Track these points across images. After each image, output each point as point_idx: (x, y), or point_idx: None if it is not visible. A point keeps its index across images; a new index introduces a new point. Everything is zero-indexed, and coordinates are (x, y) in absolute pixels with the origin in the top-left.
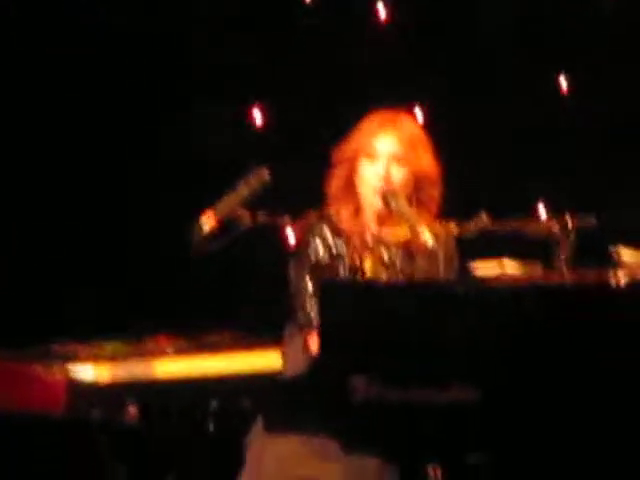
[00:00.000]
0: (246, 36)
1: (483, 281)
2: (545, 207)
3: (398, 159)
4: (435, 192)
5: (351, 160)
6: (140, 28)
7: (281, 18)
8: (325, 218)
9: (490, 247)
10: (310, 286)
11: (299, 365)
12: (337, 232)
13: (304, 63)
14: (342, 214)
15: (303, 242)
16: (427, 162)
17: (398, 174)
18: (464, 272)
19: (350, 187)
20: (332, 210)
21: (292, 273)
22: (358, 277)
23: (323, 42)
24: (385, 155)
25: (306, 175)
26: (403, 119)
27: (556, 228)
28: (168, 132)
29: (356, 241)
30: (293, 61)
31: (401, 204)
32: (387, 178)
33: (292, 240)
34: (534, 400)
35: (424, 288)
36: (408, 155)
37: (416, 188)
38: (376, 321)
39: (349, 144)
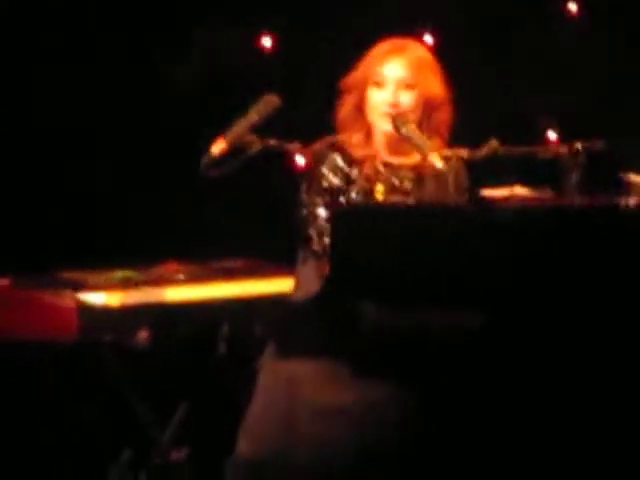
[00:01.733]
0: None
1: (493, 203)
2: (555, 133)
3: (406, 84)
4: (445, 116)
5: (359, 88)
6: None
7: None
8: (336, 145)
9: (501, 173)
10: (323, 212)
11: (311, 290)
12: (348, 159)
13: None
14: (352, 141)
15: (314, 169)
16: (436, 85)
17: (406, 99)
18: (474, 196)
19: (360, 115)
20: (343, 137)
21: (304, 200)
22: (368, 201)
23: None
24: (393, 81)
25: (317, 103)
26: (411, 44)
27: (565, 152)
28: (179, 54)
29: (367, 167)
30: None
31: (410, 129)
32: (395, 104)
33: (301, 165)
34: (541, 324)
35: (433, 210)
36: (416, 79)
37: (425, 112)
38: (386, 245)
39: (357, 72)
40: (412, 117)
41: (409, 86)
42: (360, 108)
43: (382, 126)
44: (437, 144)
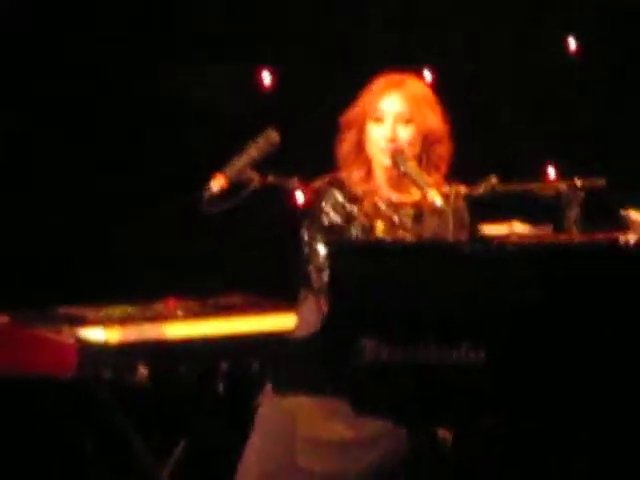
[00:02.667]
0: None
1: (492, 241)
2: (554, 169)
3: (404, 118)
4: (443, 150)
5: (359, 123)
6: None
7: None
8: (336, 182)
9: (500, 210)
10: (322, 249)
11: (312, 328)
12: (349, 196)
13: (315, 24)
14: (353, 178)
15: (315, 206)
16: (433, 120)
17: (404, 133)
18: (474, 233)
19: (360, 151)
20: (343, 174)
21: (305, 237)
22: (367, 238)
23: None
24: (390, 115)
25: (317, 138)
26: (408, 79)
27: (565, 189)
28: (175, 91)
29: (368, 204)
30: (303, 21)
31: (409, 165)
32: (394, 138)
33: (301, 202)
34: (542, 361)
35: (433, 248)
36: (413, 114)
37: (424, 147)
38: (385, 281)
39: (356, 108)
40: (411, 153)
41: (407, 121)
42: (360, 144)
43: (381, 161)
44: (436, 179)
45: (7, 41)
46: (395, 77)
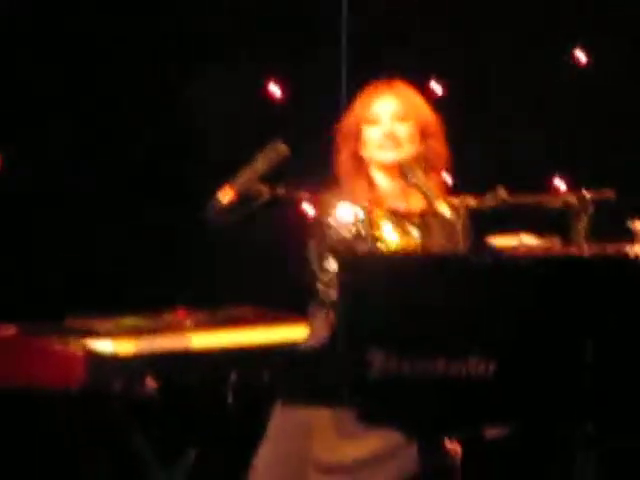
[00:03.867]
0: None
1: (501, 253)
2: (563, 181)
3: (399, 116)
4: (441, 146)
5: (354, 132)
6: None
7: None
8: (342, 194)
9: (508, 222)
10: (330, 263)
11: (321, 341)
12: (354, 208)
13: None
14: (356, 189)
15: (322, 220)
16: (429, 114)
17: (402, 129)
18: (482, 245)
19: (358, 162)
20: (346, 187)
21: (312, 252)
22: (376, 250)
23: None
24: (387, 115)
25: (322, 150)
26: (397, 81)
27: (574, 201)
28: (185, 102)
29: (373, 215)
30: (313, 31)
31: (418, 176)
32: (391, 133)
33: (310, 215)
34: (552, 373)
35: (443, 260)
36: (408, 110)
37: (422, 142)
38: (394, 293)
39: (349, 116)
40: (412, 151)
41: (403, 118)
42: (357, 155)
43: (380, 156)
44: (437, 182)
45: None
46: (383, 82)
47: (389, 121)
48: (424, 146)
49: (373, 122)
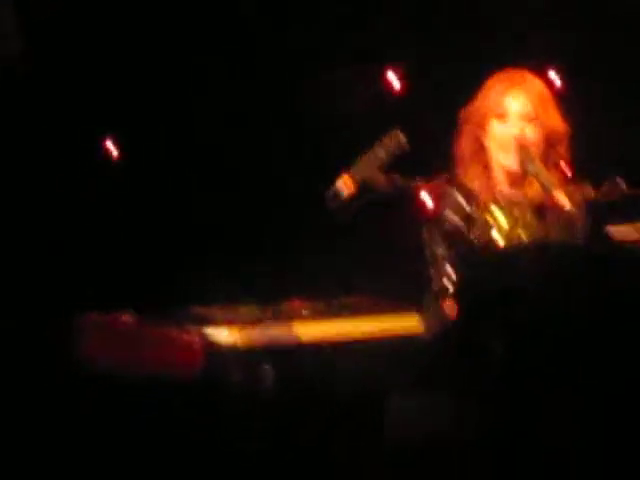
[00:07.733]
0: None
1: (622, 243)
2: None
3: (530, 119)
4: (565, 150)
5: (480, 120)
6: None
7: None
8: (454, 180)
9: (627, 211)
10: (446, 253)
11: (436, 331)
12: (467, 193)
13: (440, 22)
14: (471, 174)
15: (436, 208)
16: (557, 120)
17: (531, 134)
18: (601, 236)
19: (479, 147)
20: (460, 171)
21: (426, 240)
22: (495, 243)
23: None
24: (517, 115)
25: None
26: (530, 78)
27: None
28: (303, 94)
29: (487, 201)
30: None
31: (538, 167)
32: (522, 138)
33: (426, 203)
34: None
35: (562, 251)
36: (539, 114)
37: (548, 147)
38: (514, 284)
39: (477, 104)
40: (536, 152)
41: (532, 120)
42: (479, 141)
43: (504, 161)
44: (561, 181)
45: None
46: (515, 74)
47: (518, 121)
48: (549, 149)
49: (501, 117)
